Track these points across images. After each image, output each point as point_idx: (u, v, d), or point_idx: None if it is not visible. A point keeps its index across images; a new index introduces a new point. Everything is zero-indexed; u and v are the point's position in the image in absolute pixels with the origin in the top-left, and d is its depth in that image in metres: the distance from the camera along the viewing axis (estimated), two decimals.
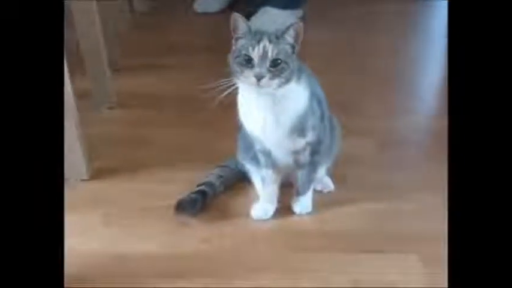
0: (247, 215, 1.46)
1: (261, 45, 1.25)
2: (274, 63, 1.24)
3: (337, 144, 1.51)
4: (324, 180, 1.55)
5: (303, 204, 1.47)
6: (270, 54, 1.24)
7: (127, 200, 1.53)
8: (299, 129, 1.34)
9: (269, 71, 1.24)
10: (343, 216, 1.47)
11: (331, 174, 1.56)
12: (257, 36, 1.26)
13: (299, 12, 2.57)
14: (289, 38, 1.26)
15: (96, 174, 1.63)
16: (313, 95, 1.34)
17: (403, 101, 2.04)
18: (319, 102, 1.38)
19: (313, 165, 1.42)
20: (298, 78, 1.30)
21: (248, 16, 2.50)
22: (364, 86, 2.11)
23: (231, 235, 1.42)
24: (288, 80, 1.26)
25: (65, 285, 1.02)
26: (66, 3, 1.46)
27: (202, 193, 1.49)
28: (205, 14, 2.74)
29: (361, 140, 1.75)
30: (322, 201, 1.51)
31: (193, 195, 1.48)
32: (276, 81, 1.25)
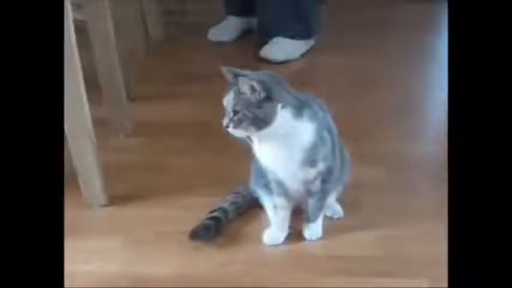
0: (260, 240, 1.51)
1: (228, 96, 1.36)
2: (235, 113, 1.35)
3: (346, 171, 1.55)
4: (333, 207, 1.59)
5: (313, 230, 1.52)
6: (230, 105, 1.36)
7: (144, 225, 1.59)
8: (310, 160, 1.39)
9: (231, 120, 1.35)
10: (352, 241, 1.51)
11: (341, 200, 1.60)
12: (230, 87, 1.37)
13: (310, 42, 2.62)
14: (246, 91, 1.34)
15: (114, 200, 1.68)
16: (322, 126, 1.40)
17: (413, 127, 2.08)
18: (330, 132, 1.43)
19: (323, 193, 1.47)
20: (300, 115, 1.37)
21: (260, 46, 2.56)
22: (374, 112, 2.15)
23: (244, 260, 1.47)
24: (263, 125, 1.34)
25: None
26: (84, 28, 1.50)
27: (216, 219, 1.54)
28: (219, 42, 2.79)
29: (371, 166, 1.79)
30: (332, 227, 1.55)
31: (206, 222, 1.53)
32: (241, 129, 1.35)
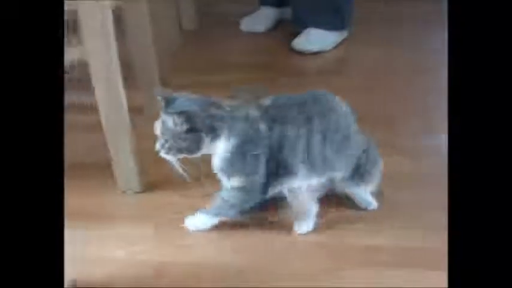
0: (290, 228, 1.54)
1: (158, 123, 1.44)
2: (165, 141, 1.42)
3: (376, 168, 1.57)
4: (367, 199, 1.60)
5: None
6: (159, 132, 1.43)
7: (177, 212, 1.61)
8: (225, 172, 1.46)
9: (162, 147, 1.43)
10: (383, 231, 1.53)
11: (376, 192, 1.62)
12: (161, 112, 1.44)
13: (343, 34, 2.61)
14: (170, 124, 1.39)
15: (149, 187, 1.71)
16: (245, 142, 1.42)
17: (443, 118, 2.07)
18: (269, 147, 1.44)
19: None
20: (218, 136, 1.41)
21: (293, 36, 2.56)
22: (405, 103, 2.15)
23: (275, 247, 1.50)
24: (190, 153, 1.42)
25: None
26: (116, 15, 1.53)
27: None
28: (251, 33, 2.80)
29: (400, 157, 1.79)
30: (364, 218, 1.57)
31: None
32: (171, 155, 1.43)
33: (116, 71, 1.56)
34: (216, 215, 1.53)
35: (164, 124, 1.40)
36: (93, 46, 1.54)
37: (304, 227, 1.52)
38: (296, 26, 2.62)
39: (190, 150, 1.41)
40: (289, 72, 2.36)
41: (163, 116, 1.40)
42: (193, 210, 1.59)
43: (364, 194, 1.59)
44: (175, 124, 1.38)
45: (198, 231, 1.54)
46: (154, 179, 1.73)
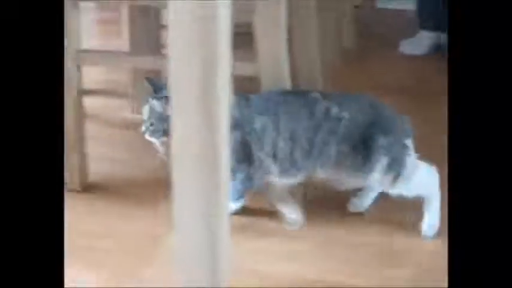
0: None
1: (145, 107, 1.52)
2: (151, 124, 1.51)
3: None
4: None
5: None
6: (146, 116, 1.51)
7: None
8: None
9: (147, 129, 1.51)
10: None
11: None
12: (148, 97, 1.53)
13: None
14: (159, 108, 1.48)
15: None
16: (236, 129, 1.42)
17: None
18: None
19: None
20: None
21: None
22: None
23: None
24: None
25: None
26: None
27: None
28: (410, 56, 2.82)
29: None
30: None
31: None
32: (155, 138, 1.50)
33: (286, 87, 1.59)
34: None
35: (152, 108, 1.49)
36: (265, 63, 1.57)
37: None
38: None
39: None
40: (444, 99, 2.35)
41: (152, 101, 1.50)
42: None
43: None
44: (164, 108, 1.47)
45: None
46: None
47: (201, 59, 1.04)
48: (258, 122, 1.47)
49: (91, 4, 3.20)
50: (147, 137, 1.52)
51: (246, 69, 1.58)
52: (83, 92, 1.71)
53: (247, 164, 1.49)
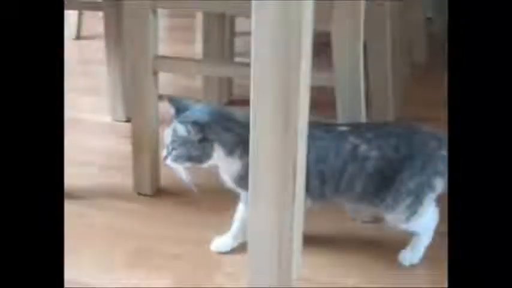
0: None
1: (168, 130, 1.42)
2: (173, 149, 1.40)
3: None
4: None
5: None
6: (168, 140, 1.41)
7: None
8: (239, 186, 1.42)
9: (169, 154, 1.41)
10: None
11: None
12: (172, 119, 1.43)
13: None
14: (182, 132, 1.38)
15: None
16: None
17: None
18: None
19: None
20: (233, 151, 1.39)
21: None
22: None
23: None
24: (198, 162, 1.40)
25: None
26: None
27: None
28: None
29: None
30: None
31: None
32: (178, 164, 1.41)
33: (360, 100, 1.58)
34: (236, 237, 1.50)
35: (175, 132, 1.40)
36: (341, 74, 1.56)
37: None
38: None
39: (199, 160, 1.40)
40: None
41: (175, 124, 1.40)
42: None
43: None
44: (189, 132, 1.37)
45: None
46: None
47: (284, 63, 1.05)
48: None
49: (165, 10, 3.26)
50: (168, 162, 1.41)
51: (321, 79, 1.58)
52: (159, 97, 1.71)
53: None
